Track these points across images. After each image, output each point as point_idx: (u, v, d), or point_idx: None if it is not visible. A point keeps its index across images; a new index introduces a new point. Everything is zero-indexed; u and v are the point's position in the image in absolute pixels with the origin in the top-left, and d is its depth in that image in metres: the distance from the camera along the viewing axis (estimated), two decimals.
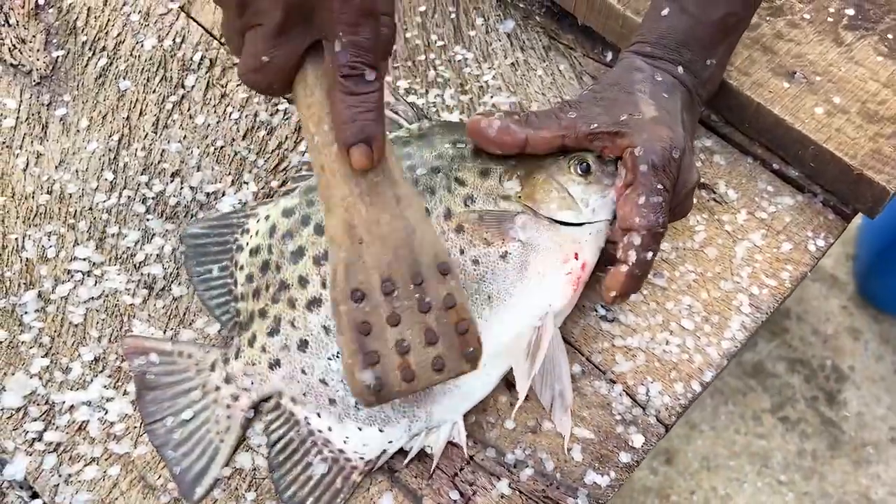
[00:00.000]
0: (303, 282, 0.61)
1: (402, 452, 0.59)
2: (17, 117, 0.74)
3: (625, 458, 0.59)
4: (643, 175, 0.58)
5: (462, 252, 0.60)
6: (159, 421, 0.59)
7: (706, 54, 0.66)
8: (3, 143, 0.73)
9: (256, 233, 0.64)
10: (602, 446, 0.60)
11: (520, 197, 0.62)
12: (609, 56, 0.79)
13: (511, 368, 0.59)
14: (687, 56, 0.65)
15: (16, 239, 0.68)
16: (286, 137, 0.73)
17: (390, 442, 0.58)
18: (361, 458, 0.58)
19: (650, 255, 0.59)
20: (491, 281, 0.60)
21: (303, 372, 0.59)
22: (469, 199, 0.62)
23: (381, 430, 0.58)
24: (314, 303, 0.60)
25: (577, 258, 0.61)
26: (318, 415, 0.59)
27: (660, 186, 0.58)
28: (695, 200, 0.71)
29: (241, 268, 0.63)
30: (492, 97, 0.76)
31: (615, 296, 0.59)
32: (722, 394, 1.55)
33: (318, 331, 0.59)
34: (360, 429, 0.58)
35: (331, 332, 0.59)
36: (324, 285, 0.60)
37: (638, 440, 0.60)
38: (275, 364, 0.60)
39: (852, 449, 1.50)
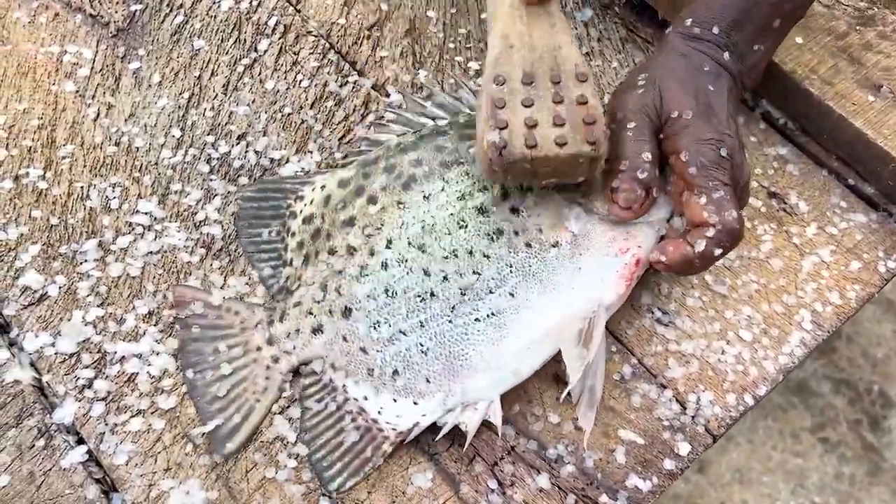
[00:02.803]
0: (351, 250, 0.61)
1: (434, 428, 0.59)
2: (92, 67, 0.75)
3: (669, 464, 0.58)
4: (694, 177, 0.57)
5: (517, 234, 0.60)
6: (199, 372, 0.60)
7: (756, 39, 0.64)
8: (77, 91, 0.73)
9: (311, 201, 0.64)
10: (647, 451, 0.59)
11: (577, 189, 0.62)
12: None
13: (553, 357, 0.59)
14: (735, 39, 0.63)
15: (81, 187, 0.68)
16: (353, 110, 0.73)
17: (424, 415, 0.58)
18: (394, 429, 0.58)
19: (718, 251, 0.57)
20: (542, 267, 0.60)
21: (344, 339, 0.60)
22: (528, 186, 0.62)
23: (415, 403, 0.58)
24: (361, 271, 0.60)
25: (630, 254, 0.60)
26: (356, 383, 0.59)
27: (716, 183, 0.57)
28: (763, 209, 0.69)
29: (293, 234, 0.64)
30: None
31: (661, 261, 0.59)
32: (762, 408, 1.52)
33: (363, 299, 0.60)
34: (394, 400, 0.58)
35: (375, 300, 0.60)
36: (371, 254, 0.61)
37: (684, 448, 0.59)
38: (318, 329, 0.60)
39: (893, 477, 1.46)
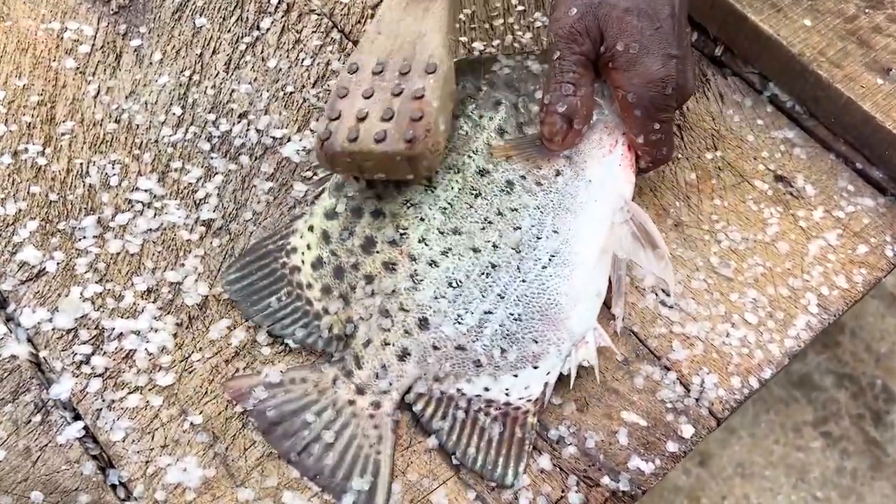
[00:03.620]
0: (389, 266, 0.60)
1: (563, 379, 0.59)
2: (93, 45, 0.74)
3: (672, 447, 0.58)
4: (636, 118, 0.59)
5: (524, 178, 0.61)
6: (303, 452, 0.55)
7: None
8: (77, 68, 0.73)
9: (308, 246, 0.62)
10: (650, 433, 0.58)
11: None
12: (694, 36, 0.76)
13: (613, 262, 0.61)
14: None
15: (81, 164, 0.68)
16: None
17: (548, 373, 0.58)
18: (529, 401, 0.57)
19: (650, 170, 0.65)
20: (561, 197, 0.61)
21: (435, 348, 0.58)
22: (501, 130, 0.63)
23: (535, 367, 0.58)
24: (412, 280, 0.59)
25: (620, 143, 0.63)
26: (469, 381, 0.58)
27: (656, 126, 0.60)
28: (770, 192, 0.68)
29: (309, 286, 0.61)
30: None
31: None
32: (764, 401, 1.52)
33: (431, 302, 0.58)
34: (515, 375, 0.58)
35: (445, 297, 0.58)
36: (413, 259, 0.59)
37: (688, 430, 0.58)
38: (404, 354, 0.58)
39: (895, 472, 1.45)
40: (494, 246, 0.60)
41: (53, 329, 0.60)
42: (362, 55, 0.60)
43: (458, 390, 0.57)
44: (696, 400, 0.59)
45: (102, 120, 0.70)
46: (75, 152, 0.68)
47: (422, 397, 0.57)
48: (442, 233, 0.60)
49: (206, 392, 0.58)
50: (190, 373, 0.59)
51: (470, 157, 0.63)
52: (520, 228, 0.60)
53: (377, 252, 0.60)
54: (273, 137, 0.70)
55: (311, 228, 0.62)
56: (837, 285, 0.64)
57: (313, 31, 0.75)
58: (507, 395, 0.57)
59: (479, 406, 0.57)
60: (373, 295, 0.59)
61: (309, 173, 0.68)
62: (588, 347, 0.58)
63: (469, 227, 0.60)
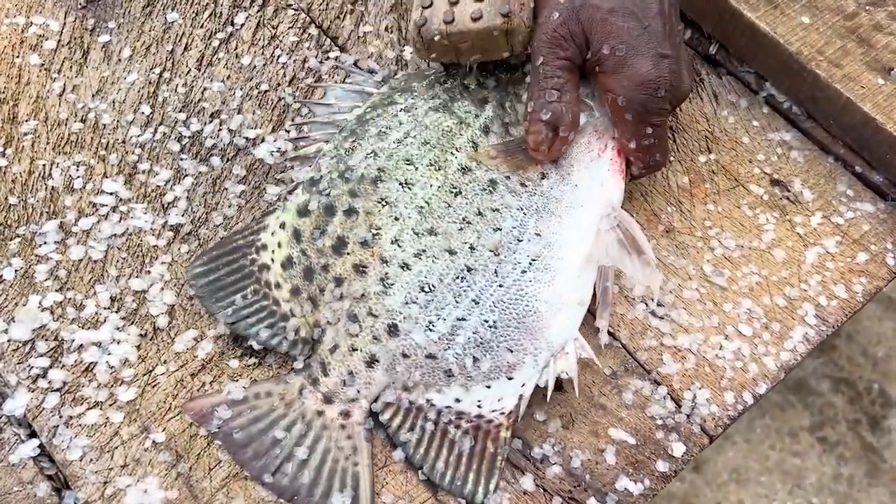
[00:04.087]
0: (360, 269, 0.57)
1: (538, 391, 0.56)
2: (59, 40, 0.71)
3: (662, 466, 0.55)
4: (628, 122, 0.57)
5: (508, 178, 0.59)
6: (277, 472, 0.52)
7: None
8: (42, 65, 0.70)
9: (278, 244, 0.59)
10: (638, 451, 0.55)
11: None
12: (688, 34, 0.73)
13: (599, 271, 0.58)
14: None
15: (43, 165, 0.65)
16: None
17: (523, 385, 0.55)
18: (502, 413, 0.54)
19: (642, 177, 0.62)
20: (545, 200, 0.59)
21: (405, 356, 0.55)
22: (486, 129, 0.61)
23: (510, 378, 0.55)
24: (383, 283, 0.56)
25: (610, 147, 0.60)
26: (440, 391, 0.55)
27: (649, 130, 0.57)
28: (766, 197, 0.65)
29: (277, 286, 0.58)
30: None
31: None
32: (759, 406, 1.49)
33: (402, 307, 0.55)
34: (488, 386, 0.55)
35: (416, 303, 0.55)
36: (385, 261, 0.56)
37: (678, 449, 0.55)
38: (372, 361, 0.55)
39: (892, 479, 1.43)
40: (472, 248, 0.57)
41: (9, 340, 0.57)
42: None
43: (428, 401, 0.55)
44: (688, 416, 0.56)
45: (67, 119, 0.67)
46: (38, 153, 0.65)
47: (389, 407, 0.55)
48: (417, 233, 0.57)
49: (169, 408, 0.55)
50: (153, 387, 0.56)
51: (453, 154, 0.60)
52: (500, 230, 0.57)
53: (348, 254, 0.57)
54: (246, 138, 0.66)
55: (282, 225, 0.59)
56: (836, 295, 0.61)
57: (290, 27, 0.72)
58: (479, 407, 0.54)
59: (449, 418, 0.54)
60: (341, 298, 0.56)
61: (282, 175, 0.64)
62: (568, 359, 0.55)
63: (446, 227, 0.57)
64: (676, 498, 1.40)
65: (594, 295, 0.58)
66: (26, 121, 0.67)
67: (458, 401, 0.55)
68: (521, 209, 0.58)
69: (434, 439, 0.54)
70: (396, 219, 0.58)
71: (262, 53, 0.71)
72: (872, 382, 1.52)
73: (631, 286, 0.60)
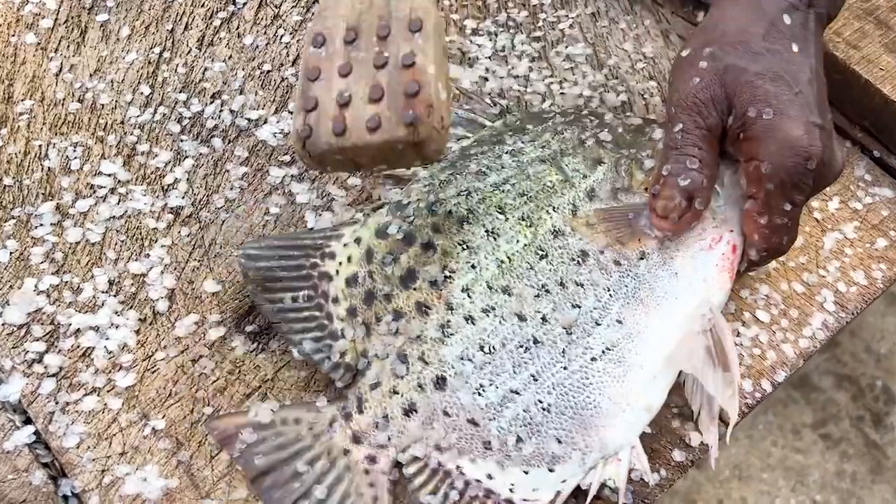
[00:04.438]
0: (423, 309, 0.53)
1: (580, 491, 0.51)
2: (56, 19, 0.69)
3: (679, 456, 0.53)
4: (769, 193, 0.51)
5: (602, 252, 0.53)
6: None
7: None
8: (39, 44, 0.68)
9: (349, 258, 0.55)
10: (654, 440, 0.53)
11: (643, 186, 0.55)
12: (700, 15, 0.72)
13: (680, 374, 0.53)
14: None
15: (39, 146, 0.63)
16: None
17: (564, 481, 0.50)
18: None
19: (759, 266, 0.55)
20: (637, 284, 0.53)
21: (446, 414, 0.51)
22: (591, 193, 0.55)
23: (551, 470, 0.50)
24: (444, 331, 0.52)
25: (724, 241, 0.54)
26: (473, 461, 0.50)
27: (788, 207, 0.51)
28: None
29: (336, 300, 0.54)
30: (566, 47, 0.69)
31: None
32: (762, 402, 1.48)
33: (455, 362, 0.51)
34: (526, 472, 0.50)
35: (472, 361, 0.51)
36: (450, 308, 0.52)
37: (695, 438, 0.53)
38: (410, 410, 0.51)
39: (895, 476, 1.41)
40: (544, 319, 0.52)
41: (3, 324, 0.55)
42: (327, 22, 0.49)
43: (458, 467, 0.50)
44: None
45: (64, 99, 0.65)
46: (34, 133, 0.63)
47: (416, 461, 0.50)
48: (490, 288, 0.53)
49: (169, 394, 0.53)
50: (153, 373, 0.54)
51: (548, 213, 0.55)
52: (579, 307, 0.52)
53: (414, 289, 0.53)
54: (248, 119, 0.65)
55: (357, 240, 0.55)
56: (855, 281, 0.60)
57: (293, 6, 0.70)
58: (511, 490, 0.50)
59: (476, 493, 0.50)
60: (396, 334, 0.52)
61: (286, 157, 0.63)
62: (618, 466, 0.50)
63: (522, 289, 0.52)
64: (679, 494, 1.38)
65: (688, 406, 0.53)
66: (22, 101, 0.65)
67: (490, 477, 0.50)
68: (609, 290, 0.53)
69: None
70: (473, 266, 0.53)
71: (265, 33, 0.69)
72: (876, 379, 1.51)
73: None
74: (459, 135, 0.61)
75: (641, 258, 0.53)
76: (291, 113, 0.65)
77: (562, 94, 0.66)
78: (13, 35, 0.68)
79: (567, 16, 0.71)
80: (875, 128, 0.65)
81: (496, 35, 0.70)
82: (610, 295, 0.52)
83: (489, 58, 0.68)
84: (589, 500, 0.49)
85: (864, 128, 0.66)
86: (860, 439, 1.45)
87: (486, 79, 0.67)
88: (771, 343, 0.57)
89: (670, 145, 0.53)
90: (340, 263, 0.55)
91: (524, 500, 0.49)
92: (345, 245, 0.55)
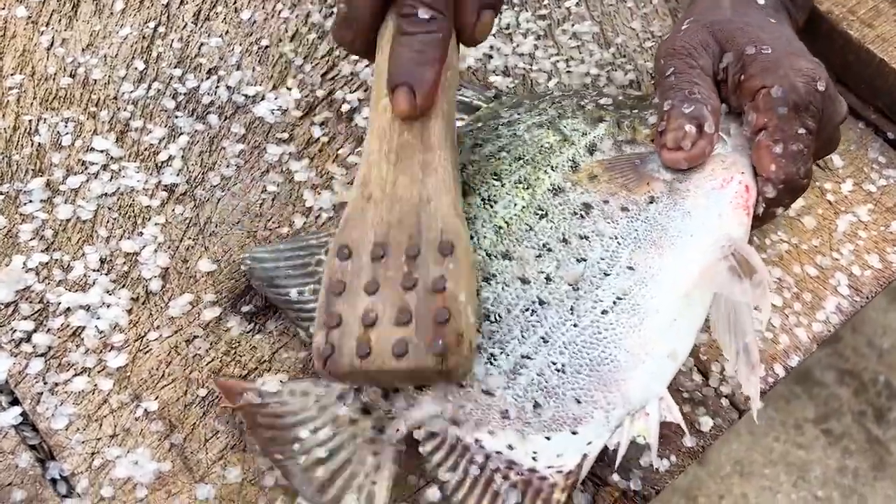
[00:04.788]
0: None
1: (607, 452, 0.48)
2: None
3: (689, 441, 0.51)
4: (781, 118, 0.49)
5: (607, 201, 0.51)
6: (290, 460, 0.47)
7: None
8: (29, 17, 0.66)
9: None
10: (665, 426, 0.51)
11: (649, 139, 0.53)
12: None
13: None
14: None
15: (29, 121, 0.61)
16: None
17: (589, 443, 0.47)
18: (559, 472, 0.47)
19: (780, 210, 0.51)
20: (649, 228, 0.51)
21: (460, 385, 0.48)
22: (592, 147, 0.54)
23: (574, 433, 0.47)
24: None
25: (736, 181, 0.51)
26: (492, 433, 0.48)
27: (802, 131, 0.49)
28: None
29: None
30: (572, 25, 0.67)
31: None
32: (765, 398, 1.46)
33: None
34: (548, 438, 0.47)
35: (480, 332, 0.49)
36: None
37: (706, 423, 0.52)
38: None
39: None
40: (548, 278, 0.50)
41: None
42: (353, 233, 0.47)
43: (477, 441, 0.48)
44: (716, 389, 0.53)
45: (56, 74, 0.63)
46: (24, 108, 0.61)
47: (434, 438, 0.48)
48: (490, 255, 0.51)
49: (163, 375, 0.52)
50: (145, 353, 0.52)
51: (546, 172, 0.53)
52: (584, 261, 0.50)
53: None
54: (245, 95, 0.63)
55: None
56: (870, 265, 0.58)
57: None
58: (534, 459, 0.47)
59: (497, 465, 0.47)
60: None
61: (284, 134, 0.61)
62: (648, 421, 0.47)
63: (522, 252, 0.51)
64: (679, 491, 1.37)
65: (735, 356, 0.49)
66: (11, 75, 0.63)
67: (511, 448, 0.47)
68: (616, 238, 0.51)
69: (476, 486, 0.47)
70: (471, 237, 0.52)
71: (263, 8, 0.67)
72: (878, 374, 1.49)
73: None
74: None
75: (651, 202, 0.51)
76: (289, 90, 0.63)
77: (568, 72, 0.65)
78: (3, 8, 0.66)
79: None
80: (889, 108, 0.64)
81: (501, 12, 0.68)
82: (618, 243, 0.50)
83: (493, 35, 0.66)
84: (619, 459, 0.47)
85: (877, 108, 0.65)
86: (862, 435, 1.43)
87: (491, 56, 0.65)
88: (784, 327, 0.55)
89: (666, 87, 0.52)
90: None
91: (549, 467, 0.47)
92: None
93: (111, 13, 0.66)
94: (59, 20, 0.66)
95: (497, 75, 0.64)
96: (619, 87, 0.64)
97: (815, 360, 1.50)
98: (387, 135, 0.48)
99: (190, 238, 0.57)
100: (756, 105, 0.51)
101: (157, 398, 0.51)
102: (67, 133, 0.60)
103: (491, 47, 0.66)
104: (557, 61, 0.65)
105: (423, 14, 0.47)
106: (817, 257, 0.58)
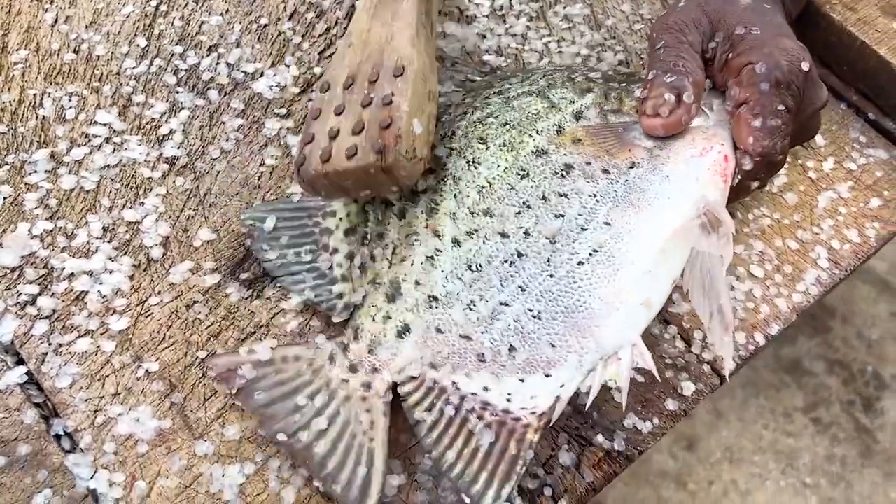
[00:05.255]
0: (412, 239, 0.54)
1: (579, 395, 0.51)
2: None
3: (671, 405, 0.53)
4: (763, 94, 0.51)
5: (589, 163, 0.53)
6: (292, 436, 0.49)
7: None
8: None
9: (348, 214, 0.56)
10: (648, 390, 0.54)
11: (634, 109, 0.55)
12: None
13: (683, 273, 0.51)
14: None
15: (34, 95, 0.62)
16: (336, 22, 0.67)
17: (562, 385, 0.49)
18: (533, 413, 0.49)
19: (756, 184, 0.53)
20: (627, 189, 0.52)
21: (438, 331, 0.51)
22: (578, 114, 0.56)
23: (547, 375, 0.49)
24: (433, 255, 0.53)
25: (716, 150, 0.53)
26: (468, 376, 0.50)
27: (781, 107, 0.51)
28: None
29: (336, 251, 0.55)
30: (564, 7, 0.69)
31: None
32: (754, 385, 1.48)
33: (445, 281, 0.52)
34: (521, 380, 0.50)
35: (461, 279, 0.52)
36: (437, 235, 0.53)
37: (688, 388, 0.54)
38: (404, 331, 0.51)
39: (884, 460, 1.42)
40: (527, 233, 0.52)
41: None
42: (334, 71, 0.55)
43: (454, 383, 0.50)
44: (698, 356, 0.55)
45: (60, 50, 0.65)
46: (28, 82, 0.63)
47: (412, 381, 0.51)
48: (473, 212, 0.53)
49: (163, 338, 0.53)
50: (147, 317, 0.54)
51: (531, 136, 0.55)
52: (562, 216, 0.52)
53: (402, 224, 0.54)
54: (244, 72, 0.64)
55: (355, 199, 0.57)
56: (849, 239, 0.60)
57: None
58: (508, 401, 0.49)
59: (472, 405, 0.50)
60: (390, 266, 0.53)
61: (282, 110, 0.63)
62: (619, 366, 0.49)
63: (503, 209, 0.53)
64: (669, 476, 1.39)
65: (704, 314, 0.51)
66: (17, 50, 0.64)
67: (486, 389, 0.50)
68: (595, 196, 0.52)
69: (451, 426, 0.49)
70: (455, 196, 0.54)
71: None
72: (866, 364, 1.51)
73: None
74: (448, 91, 0.61)
75: (632, 167, 0.53)
76: (287, 66, 0.65)
77: (559, 52, 0.66)
78: None
79: None
80: (870, 90, 0.66)
81: None
82: (596, 200, 0.52)
83: (487, 16, 0.68)
84: (590, 401, 0.49)
85: (858, 90, 0.66)
86: (850, 423, 1.45)
87: (484, 36, 0.67)
88: (765, 297, 0.57)
89: (654, 59, 0.54)
90: (340, 219, 0.56)
91: (522, 408, 0.49)
92: (345, 203, 0.56)
93: None
94: None
95: (490, 55, 0.66)
96: (616, 67, 0.66)
97: (805, 350, 1.52)
98: None
99: (190, 208, 0.58)
100: (740, 80, 0.53)
101: (157, 359, 0.53)
102: (71, 107, 0.62)
103: (484, 27, 0.67)
104: (549, 42, 0.67)
105: None
106: (798, 231, 0.60)
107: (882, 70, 0.64)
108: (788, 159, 0.63)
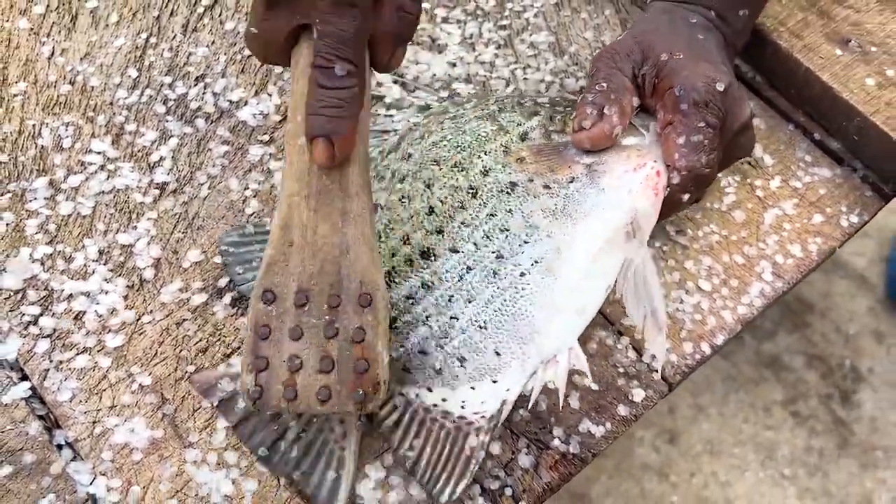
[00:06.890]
0: None
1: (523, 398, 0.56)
2: (48, 5, 0.73)
3: (623, 410, 0.58)
4: (684, 114, 0.57)
5: (531, 180, 0.58)
6: (270, 448, 0.54)
7: (741, 3, 0.64)
8: (31, 29, 0.72)
9: None
10: (601, 396, 0.58)
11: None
12: None
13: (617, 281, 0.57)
14: (720, 4, 0.63)
15: (33, 125, 0.67)
16: None
17: (508, 389, 0.55)
18: (482, 417, 0.54)
19: (686, 197, 0.58)
20: (565, 202, 0.57)
21: (401, 347, 0.56)
22: (524, 135, 0.60)
23: (494, 381, 0.55)
24: (389, 277, 0.57)
25: (648, 166, 0.58)
26: (430, 390, 0.55)
27: (701, 125, 0.56)
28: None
29: None
30: (530, 35, 0.74)
31: None
32: (734, 380, 1.53)
33: (403, 303, 0.56)
34: (472, 388, 0.55)
35: (413, 298, 0.56)
36: (392, 256, 0.57)
37: (639, 395, 0.58)
38: None
39: (861, 451, 1.46)
40: (476, 246, 0.57)
41: (1, 290, 0.59)
42: (276, 279, 0.50)
43: (417, 395, 0.55)
44: (648, 365, 0.59)
45: (56, 81, 0.69)
46: (28, 113, 0.67)
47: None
48: (427, 231, 0.58)
49: (155, 354, 0.58)
50: (140, 335, 0.59)
51: (480, 157, 0.60)
52: (507, 230, 0.57)
53: None
54: (230, 101, 0.69)
55: None
56: (792, 254, 0.64)
57: None
58: (462, 407, 0.55)
59: (435, 417, 0.55)
60: None
61: (265, 137, 0.67)
62: (557, 368, 0.54)
63: (453, 228, 0.57)
64: (651, 469, 1.43)
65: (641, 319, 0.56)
66: (16, 83, 0.69)
67: (444, 400, 0.55)
68: (536, 210, 0.57)
69: (418, 438, 0.54)
70: (410, 216, 0.58)
71: (246, 19, 0.73)
72: (844, 358, 1.55)
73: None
74: (407, 116, 0.66)
75: (571, 182, 0.58)
76: (270, 95, 0.69)
77: (525, 79, 0.71)
78: (7, 20, 0.72)
79: (532, 5, 0.75)
80: (815, 112, 0.70)
81: (465, 23, 0.74)
82: (538, 214, 0.57)
83: (458, 45, 0.73)
84: (532, 401, 0.54)
85: (805, 112, 0.71)
86: (828, 416, 1.49)
87: (454, 64, 0.71)
88: (711, 310, 0.62)
89: (588, 85, 0.59)
90: None
91: (475, 413, 0.54)
92: None
93: (107, 25, 0.72)
94: (59, 31, 0.72)
95: (460, 83, 0.70)
96: (570, 93, 0.70)
97: (785, 345, 1.56)
98: (305, 178, 0.50)
99: (180, 231, 0.63)
100: (664, 104, 0.58)
101: (150, 374, 0.57)
102: (68, 136, 0.66)
103: (455, 56, 0.72)
104: (515, 69, 0.72)
105: (340, 71, 0.48)
106: (745, 247, 0.65)
107: (825, 94, 0.68)
108: (738, 178, 0.67)
